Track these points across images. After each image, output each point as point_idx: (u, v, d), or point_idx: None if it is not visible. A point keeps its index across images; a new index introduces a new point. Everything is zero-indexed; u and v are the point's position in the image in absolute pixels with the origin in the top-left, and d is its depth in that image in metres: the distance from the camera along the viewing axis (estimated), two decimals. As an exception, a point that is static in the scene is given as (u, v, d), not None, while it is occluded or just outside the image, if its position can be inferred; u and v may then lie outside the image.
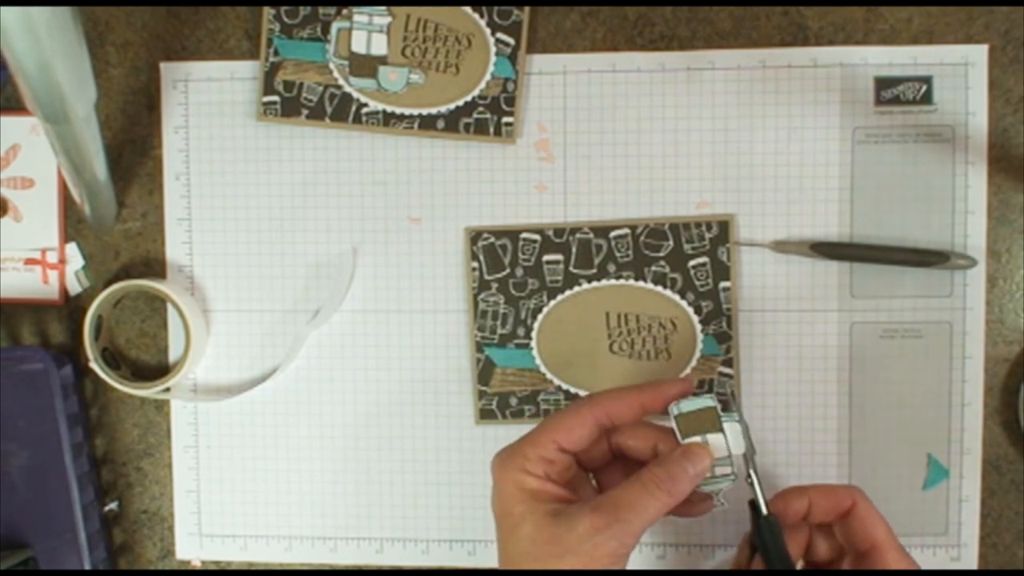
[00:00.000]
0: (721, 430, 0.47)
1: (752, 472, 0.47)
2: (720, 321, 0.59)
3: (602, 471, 0.51)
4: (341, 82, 0.59)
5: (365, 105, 0.60)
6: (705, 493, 0.48)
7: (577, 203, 0.59)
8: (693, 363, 0.59)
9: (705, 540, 0.60)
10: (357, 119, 0.60)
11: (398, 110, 0.59)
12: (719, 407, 0.47)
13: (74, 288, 0.62)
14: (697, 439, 0.47)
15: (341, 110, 0.60)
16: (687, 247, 0.59)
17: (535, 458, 0.46)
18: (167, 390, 0.61)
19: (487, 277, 0.60)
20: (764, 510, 0.47)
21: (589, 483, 0.51)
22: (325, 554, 0.62)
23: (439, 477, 0.61)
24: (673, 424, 0.47)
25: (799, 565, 0.51)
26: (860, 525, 0.48)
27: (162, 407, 0.63)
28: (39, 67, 0.44)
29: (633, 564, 0.60)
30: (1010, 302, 0.58)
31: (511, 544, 0.45)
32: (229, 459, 0.62)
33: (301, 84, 0.60)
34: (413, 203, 0.60)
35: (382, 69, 0.59)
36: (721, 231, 0.58)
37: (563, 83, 0.59)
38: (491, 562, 0.61)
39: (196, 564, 0.63)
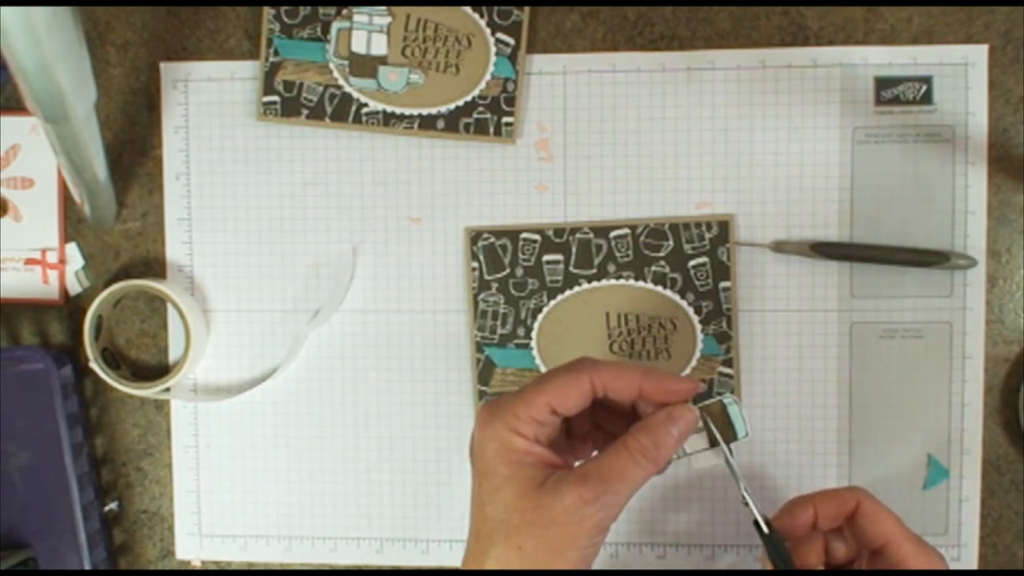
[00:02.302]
0: (712, 444, 0.45)
1: (745, 493, 0.46)
2: (720, 321, 0.59)
3: (581, 436, 0.49)
4: (341, 82, 0.59)
5: (365, 105, 0.60)
6: None
7: (577, 203, 0.59)
8: (693, 363, 0.59)
9: (705, 540, 0.60)
10: (357, 119, 0.60)
11: (398, 110, 0.59)
12: (739, 442, 0.46)
13: (74, 288, 0.62)
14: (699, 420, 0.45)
15: (341, 110, 0.60)
16: (687, 247, 0.59)
17: (526, 418, 0.43)
18: (167, 390, 0.61)
19: (487, 277, 0.60)
20: (765, 529, 0.47)
21: (568, 444, 0.48)
22: (325, 554, 0.62)
23: (439, 477, 0.61)
24: (713, 399, 0.45)
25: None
26: (868, 523, 0.48)
27: (162, 407, 0.63)
28: (39, 67, 0.44)
29: (633, 564, 0.60)
30: (1010, 302, 0.58)
31: (490, 506, 0.43)
32: (229, 459, 0.62)
33: (301, 84, 0.60)
34: (413, 203, 0.60)
35: (382, 69, 0.59)
36: (721, 231, 0.58)
37: (563, 83, 0.59)
38: (491, 562, 0.61)
39: (196, 564, 0.63)
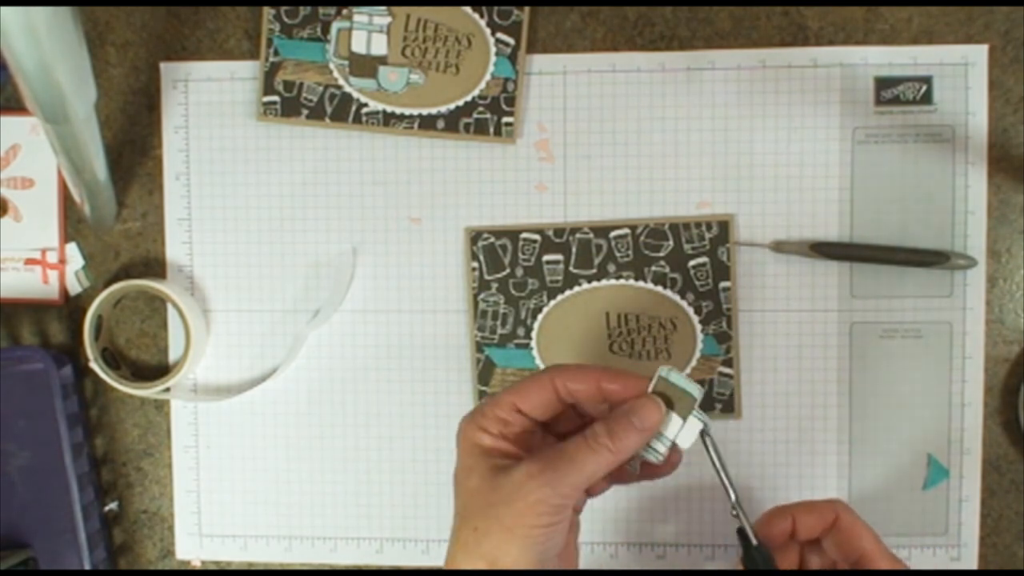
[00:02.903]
0: (684, 419, 0.46)
1: (738, 506, 0.47)
2: (720, 321, 0.59)
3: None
4: (341, 82, 0.60)
5: (365, 105, 0.60)
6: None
7: (577, 203, 0.59)
8: (693, 363, 0.59)
9: (705, 540, 0.60)
10: (357, 119, 0.60)
11: (398, 110, 0.59)
12: (698, 402, 0.46)
13: (74, 288, 0.62)
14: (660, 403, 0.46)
15: (341, 110, 0.60)
16: (687, 247, 0.59)
17: (492, 416, 0.46)
18: (167, 390, 0.61)
19: (487, 277, 0.60)
20: (754, 541, 0.47)
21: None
22: (325, 554, 0.62)
23: (439, 477, 0.61)
24: (653, 381, 0.46)
25: None
26: (845, 537, 0.48)
27: (162, 407, 0.63)
28: (39, 67, 0.44)
29: (633, 564, 0.60)
30: (1010, 302, 0.58)
31: (458, 497, 0.45)
32: (229, 459, 0.62)
33: (301, 84, 0.60)
34: (413, 203, 0.60)
35: (382, 69, 0.59)
36: (721, 231, 0.58)
37: (563, 83, 0.59)
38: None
39: (196, 564, 0.63)
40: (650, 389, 0.45)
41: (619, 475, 0.48)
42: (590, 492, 0.49)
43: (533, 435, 0.47)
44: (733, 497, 0.47)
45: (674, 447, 0.46)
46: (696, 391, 0.45)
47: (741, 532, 0.47)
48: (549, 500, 0.42)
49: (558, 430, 0.49)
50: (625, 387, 0.46)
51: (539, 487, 0.42)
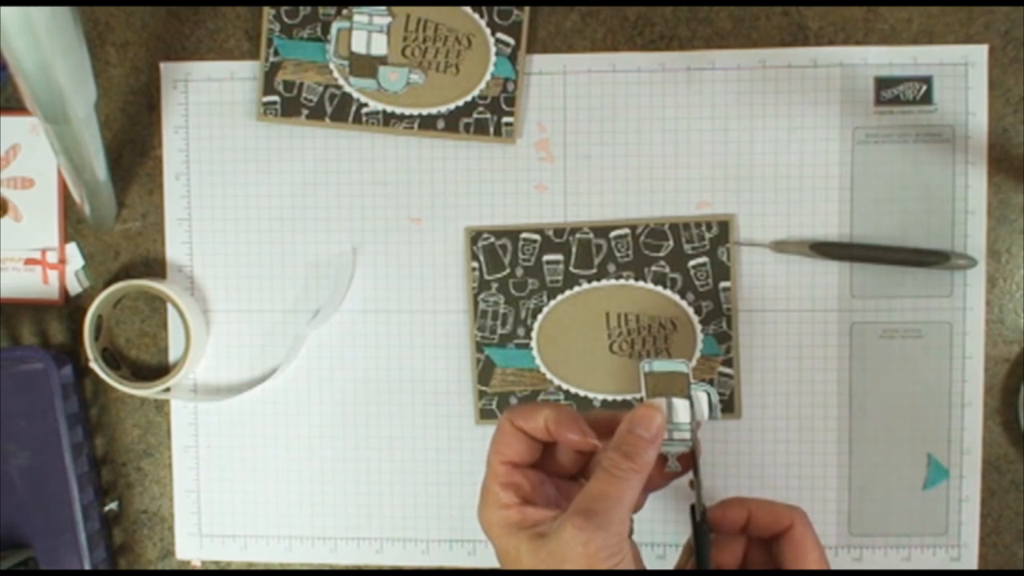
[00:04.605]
0: (688, 396, 0.46)
1: (697, 480, 0.47)
2: (720, 321, 0.59)
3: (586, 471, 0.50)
4: (341, 82, 0.59)
5: (365, 105, 0.60)
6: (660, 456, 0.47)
7: (577, 203, 0.59)
8: (693, 363, 0.59)
9: (705, 540, 0.60)
10: (357, 119, 0.60)
11: (398, 110, 0.59)
12: (691, 375, 0.47)
13: (74, 288, 0.62)
14: (660, 400, 0.46)
15: (341, 110, 0.60)
16: (687, 247, 0.59)
17: (500, 489, 0.46)
18: (167, 390, 0.61)
19: (487, 277, 0.60)
20: (698, 517, 0.47)
21: (579, 485, 0.50)
22: (325, 554, 0.62)
23: (439, 477, 0.61)
24: (641, 381, 0.47)
25: None
26: (793, 547, 0.47)
27: (162, 407, 0.63)
28: (39, 67, 0.44)
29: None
30: (1010, 302, 0.58)
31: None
32: (229, 459, 0.62)
33: (301, 84, 0.60)
34: (413, 203, 0.60)
35: (382, 69, 0.59)
36: (721, 231, 0.58)
37: (563, 83, 0.59)
38: (491, 562, 0.61)
39: (196, 564, 0.63)
40: (643, 394, 0.46)
41: (656, 482, 0.48)
42: (633, 509, 0.48)
43: (546, 487, 0.47)
44: (691, 473, 0.47)
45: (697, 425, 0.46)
46: (683, 366, 0.46)
47: (692, 508, 0.48)
48: (607, 544, 0.42)
49: (562, 466, 0.48)
50: (571, 436, 0.46)
51: (591, 537, 0.42)
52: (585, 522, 0.42)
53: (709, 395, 0.46)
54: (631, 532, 0.48)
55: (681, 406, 0.46)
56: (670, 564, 0.60)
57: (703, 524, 0.47)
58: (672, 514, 0.60)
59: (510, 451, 0.46)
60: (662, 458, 0.48)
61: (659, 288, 0.59)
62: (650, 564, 0.60)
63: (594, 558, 0.42)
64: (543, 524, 0.44)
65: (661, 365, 0.46)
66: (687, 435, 0.46)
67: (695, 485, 0.47)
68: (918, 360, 0.58)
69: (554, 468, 0.48)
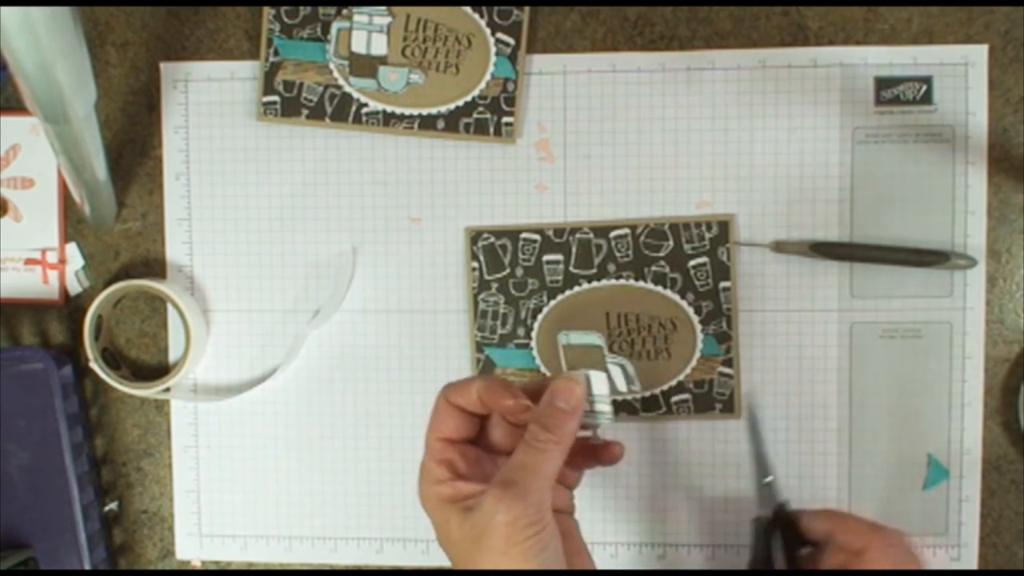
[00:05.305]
0: (605, 369, 0.46)
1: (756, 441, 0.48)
2: (720, 321, 0.59)
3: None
4: (341, 82, 0.59)
5: (365, 105, 0.60)
6: (586, 434, 0.47)
7: (577, 203, 0.59)
8: (693, 363, 0.59)
9: (705, 540, 0.60)
10: (357, 119, 0.60)
11: (398, 110, 0.59)
12: (605, 348, 0.47)
13: (74, 288, 0.62)
14: (581, 372, 0.46)
15: (341, 110, 0.60)
16: (687, 247, 0.59)
17: (434, 465, 0.46)
18: (167, 390, 0.61)
19: (487, 277, 0.60)
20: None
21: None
22: (325, 554, 0.62)
23: (439, 477, 0.61)
24: (560, 353, 0.47)
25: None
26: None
27: (162, 407, 0.63)
28: (39, 67, 0.44)
29: (633, 564, 0.60)
30: (1010, 302, 0.58)
31: (449, 555, 0.46)
32: (229, 459, 0.62)
33: (301, 84, 0.60)
34: (413, 203, 0.60)
35: (382, 69, 0.59)
36: (721, 231, 0.58)
37: (563, 83, 0.59)
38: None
39: (196, 564, 0.63)
40: (564, 367, 0.46)
41: (581, 459, 0.49)
42: (567, 484, 0.49)
43: (483, 463, 0.48)
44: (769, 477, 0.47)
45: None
46: (598, 339, 0.46)
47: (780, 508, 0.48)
48: (525, 513, 0.43)
49: (497, 443, 0.49)
50: (504, 403, 0.46)
51: (509, 506, 0.43)
52: (503, 492, 0.43)
53: (624, 368, 0.47)
54: (573, 511, 0.49)
55: (598, 378, 0.46)
56: (670, 564, 0.60)
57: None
58: (672, 514, 0.60)
59: (445, 427, 0.47)
60: (586, 443, 0.48)
61: (659, 288, 0.59)
62: (650, 564, 0.60)
63: (512, 527, 0.42)
64: (473, 498, 0.44)
65: (578, 337, 0.46)
66: (607, 408, 0.46)
67: (754, 450, 0.48)
68: (918, 360, 0.58)
69: (490, 444, 0.49)
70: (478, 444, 0.48)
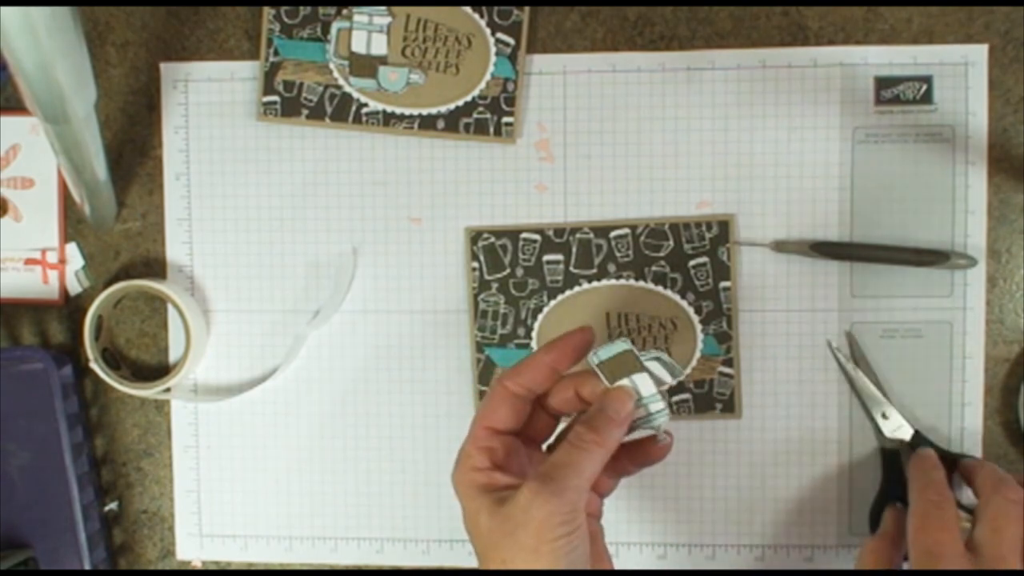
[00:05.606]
0: (644, 369, 0.47)
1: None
2: (720, 321, 0.59)
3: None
4: (341, 82, 0.59)
5: (365, 105, 0.60)
6: (649, 433, 0.47)
7: (577, 203, 0.59)
8: (693, 363, 0.59)
9: (705, 540, 0.60)
10: (357, 119, 0.60)
11: (398, 110, 0.59)
12: (635, 349, 0.47)
13: (74, 288, 0.62)
14: (624, 382, 0.46)
15: (341, 110, 0.60)
16: (687, 247, 0.59)
17: (474, 452, 0.46)
18: (167, 390, 0.61)
19: (487, 277, 0.60)
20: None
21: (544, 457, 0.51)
22: (325, 554, 0.62)
23: (439, 477, 0.61)
24: (598, 373, 0.47)
25: None
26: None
27: (162, 407, 0.63)
28: (39, 67, 0.44)
29: (633, 564, 0.60)
30: (1010, 302, 0.58)
31: (475, 543, 0.46)
32: (229, 459, 0.62)
33: (301, 84, 0.60)
34: (413, 203, 0.60)
35: (382, 69, 0.59)
36: (721, 231, 0.58)
37: (563, 83, 0.59)
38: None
39: (196, 564, 0.63)
40: (604, 383, 0.47)
41: (626, 463, 0.49)
42: (600, 491, 0.49)
43: (519, 456, 0.48)
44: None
45: (662, 395, 0.47)
46: (624, 344, 0.47)
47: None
48: (560, 510, 0.43)
49: (537, 439, 0.49)
50: (565, 351, 0.47)
51: (546, 501, 0.42)
52: (540, 486, 0.43)
53: (660, 359, 0.47)
54: (600, 515, 0.50)
55: (642, 381, 0.46)
56: (670, 564, 0.60)
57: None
58: (672, 514, 0.60)
59: (496, 416, 0.47)
60: (635, 442, 0.48)
61: (659, 288, 0.59)
62: (650, 564, 0.60)
63: (545, 523, 0.42)
64: (507, 490, 0.45)
65: (606, 352, 0.47)
66: (661, 405, 0.46)
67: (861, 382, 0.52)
68: (918, 360, 0.58)
69: (532, 432, 0.49)
70: (519, 433, 0.48)
